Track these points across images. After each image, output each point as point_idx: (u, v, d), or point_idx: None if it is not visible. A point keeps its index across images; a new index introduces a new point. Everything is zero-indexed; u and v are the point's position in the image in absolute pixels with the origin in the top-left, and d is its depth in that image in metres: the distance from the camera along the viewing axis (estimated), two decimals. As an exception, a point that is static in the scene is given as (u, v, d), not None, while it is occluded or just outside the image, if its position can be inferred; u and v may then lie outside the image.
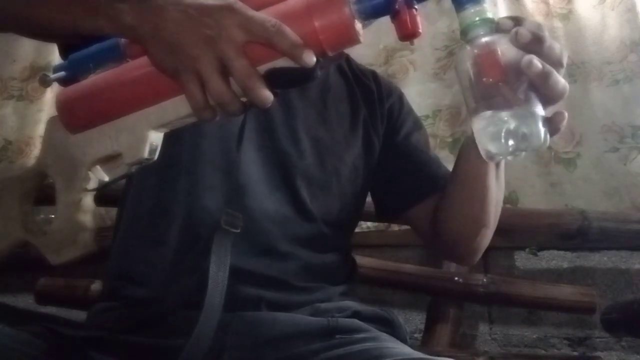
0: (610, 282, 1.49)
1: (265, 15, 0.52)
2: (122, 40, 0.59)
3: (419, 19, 0.54)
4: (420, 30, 0.54)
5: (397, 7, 0.53)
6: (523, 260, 1.54)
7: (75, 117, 0.61)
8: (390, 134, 0.93)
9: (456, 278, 1.39)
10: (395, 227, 1.52)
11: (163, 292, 0.74)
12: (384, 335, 0.76)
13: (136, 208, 0.82)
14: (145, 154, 0.58)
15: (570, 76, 1.56)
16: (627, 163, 1.50)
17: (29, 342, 0.65)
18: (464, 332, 1.50)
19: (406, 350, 0.70)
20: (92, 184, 0.62)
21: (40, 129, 1.75)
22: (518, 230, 1.44)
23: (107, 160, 0.61)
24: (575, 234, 1.41)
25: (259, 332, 0.71)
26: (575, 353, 1.47)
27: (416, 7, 0.54)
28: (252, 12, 0.52)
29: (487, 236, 0.85)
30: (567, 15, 1.58)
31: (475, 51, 0.51)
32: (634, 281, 1.49)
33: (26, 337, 0.66)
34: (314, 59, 0.52)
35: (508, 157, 0.52)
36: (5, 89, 1.83)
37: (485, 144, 0.51)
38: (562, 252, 1.52)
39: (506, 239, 1.44)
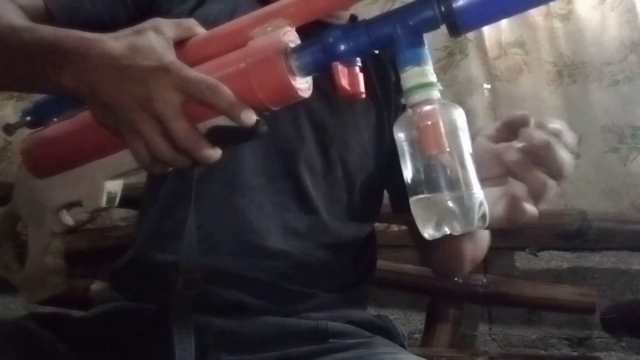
0: (610, 282, 1.49)
1: (202, 75, 0.51)
2: None
3: (361, 77, 0.51)
4: (362, 91, 0.51)
5: (337, 63, 0.50)
6: (523, 260, 1.54)
7: (37, 164, 0.63)
8: None
9: (456, 278, 1.39)
10: (395, 227, 1.52)
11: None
12: (379, 339, 0.74)
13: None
14: (103, 203, 0.59)
15: (570, 76, 1.56)
16: (627, 163, 1.50)
17: (27, 342, 0.65)
18: (464, 332, 1.50)
19: (401, 355, 0.68)
20: (60, 227, 0.64)
21: (40, 129, 1.75)
22: (518, 230, 1.44)
23: (70, 206, 0.63)
24: (575, 234, 1.41)
25: (242, 333, 0.70)
26: (575, 353, 1.48)
27: (359, 64, 0.51)
28: (187, 72, 0.51)
29: (471, 266, 0.87)
30: (567, 16, 1.58)
31: (416, 119, 0.46)
32: (634, 281, 1.49)
33: (24, 336, 0.66)
34: (253, 118, 0.51)
35: (442, 233, 0.47)
36: (5, 89, 1.83)
37: (419, 221, 0.47)
38: (562, 253, 1.53)
39: (506, 239, 1.44)
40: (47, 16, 0.74)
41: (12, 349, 0.61)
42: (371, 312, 0.84)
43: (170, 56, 0.52)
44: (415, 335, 1.50)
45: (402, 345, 0.77)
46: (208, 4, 0.82)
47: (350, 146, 0.81)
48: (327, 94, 0.79)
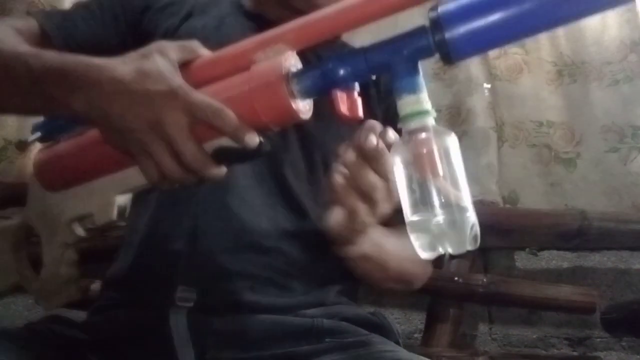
0: (610, 282, 1.49)
1: (208, 99, 0.53)
2: None
3: (359, 102, 0.54)
4: (361, 115, 0.54)
5: (337, 88, 0.52)
6: (523, 260, 1.54)
7: (49, 178, 0.66)
8: None
9: (456, 278, 1.39)
10: (395, 227, 1.52)
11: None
12: (376, 338, 0.74)
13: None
14: (114, 217, 0.62)
15: (570, 76, 1.56)
16: (627, 163, 1.50)
17: (25, 342, 0.65)
18: (464, 332, 1.50)
19: (399, 354, 0.69)
20: (72, 239, 0.67)
21: (40, 129, 1.75)
22: (518, 230, 1.44)
23: (81, 219, 0.66)
24: (575, 234, 1.41)
25: (239, 332, 0.71)
26: (575, 353, 1.47)
27: (357, 89, 0.53)
28: (194, 96, 0.53)
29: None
30: (567, 15, 1.58)
31: (411, 145, 0.49)
32: (634, 281, 1.49)
33: (23, 337, 0.66)
34: (256, 140, 0.54)
35: (437, 254, 0.50)
36: (5, 89, 1.83)
37: (414, 241, 0.50)
38: (562, 252, 1.52)
39: (506, 239, 1.44)
40: (42, 37, 0.78)
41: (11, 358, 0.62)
42: (367, 309, 0.85)
43: (177, 80, 0.54)
44: (415, 335, 1.50)
45: (397, 342, 0.78)
46: (195, 18, 0.85)
47: (333, 151, 0.83)
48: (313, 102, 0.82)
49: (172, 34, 0.82)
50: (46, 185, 0.66)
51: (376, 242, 0.70)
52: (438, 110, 1.59)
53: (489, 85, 1.58)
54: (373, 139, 0.57)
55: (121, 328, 0.73)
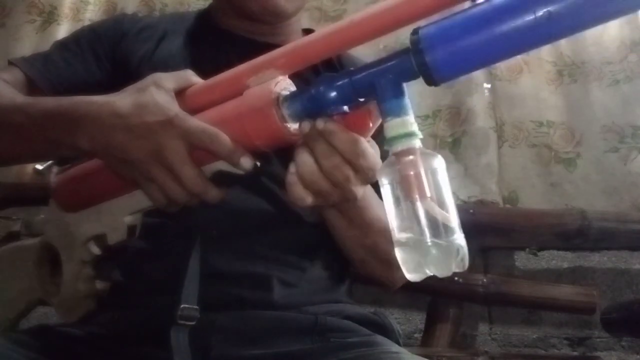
0: (610, 282, 1.49)
1: (204, 125, 0.56)
2: None
3: (351, 122, 0.54)
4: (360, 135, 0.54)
5: (326, 111, 0.54)
6: (523, 260, 1.54)
7: (65, 200, 0.70)
8: None
9: (456, 278, 1.39)
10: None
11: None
12: (379, 338, 0.75)
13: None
14: (125, 236, 0.65)
15: (571, 76, 1.56)
16: (627, 163, 1.50)
17: (25, 343, 0.65)
18: (464, 332, 1.50)
19: (403, 355, 0.69)
20: (89, 256, 0.70)
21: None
22: (518, 230, 1.44)
23: (96, 239, 0.69)
24: (575, 234, 1.41)
25: (244, 328, 0.71)
26: (575, 353, 1.48)
27: (346, 110, 0.54)
28: (190, 123, 0.56)
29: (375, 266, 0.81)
30: (567, 15, 1.58)
31: (399, 167, 0.49)
32: (634, 281, 1.49)
33: (22, 338, 0.67)
34: (250, 163, 0.57)
35: (423, 276, 0.50)
36: (5, 89, 1.83)
37: (401, 262, 0.49)
38: (562, 252, 1.52)
39: (506, 239, 1.44)
40: (29, 85, 0.81)
41: None
42: (368, 309, 0.84)
43: (174, 109, 0.57)
44: (415, 335, 1.50)
45: (397, 342, 0.78)
46: (168, 40, 0.88)
47: None
48: None
49: (149, 58, 0.84)
50: (63, 207, 0.70)
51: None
52: (438, 110, 1.59)
53: (489, 85, 1.59)
54: (306, 124, 0.56)
55: (120, 331, 0.73)
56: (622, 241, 1.45)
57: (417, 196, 0.48)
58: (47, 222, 0.75)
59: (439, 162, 0.49)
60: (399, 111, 0.50)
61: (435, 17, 0.50)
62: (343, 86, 0.53)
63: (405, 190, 0.48)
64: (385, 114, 0.50)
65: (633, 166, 1.50)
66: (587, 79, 1.55)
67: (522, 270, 1.52)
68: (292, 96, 0.55)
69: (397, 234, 0.49)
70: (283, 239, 0.77)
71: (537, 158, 1.55)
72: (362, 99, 0.54)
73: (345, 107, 0.54)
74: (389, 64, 0.51)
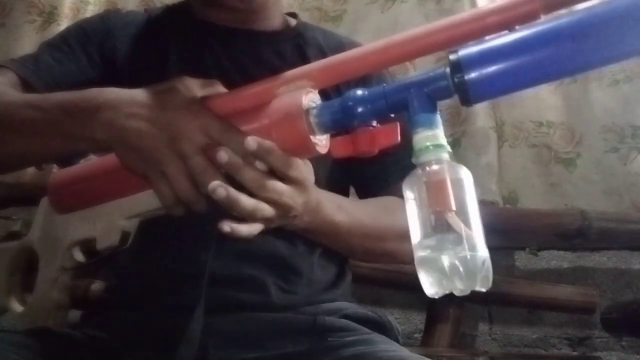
0: (610, 282, 1.49)
1: (225, 122, 0.56)
2: None
3: (379, 136, 0.54)
4: (376, 150, 0.54)
5: (355, 124, 0.53)
6: (523, 260, 1.54)
7: (60, 199, 0.68)
8: None
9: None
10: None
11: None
12: (376, 336, 0.75)
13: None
14: (117, 242, 0.62)
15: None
16: (627, 163, 1.50)
17: (23, 344, 0.65)
18: (464, 332, 1.50)
19: (402, 353, 0.69)
20: (70, 264, 0.67)
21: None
22: (518, 230, 1.44)
23: (84, 243, 0.66)
24: (575, 234, 1.41)
25: (241, 331, 0.71)
26: (575, 353, 1.48)
27: (374, 124, 0.54)
28: (211, 116, 0.56)
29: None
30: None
31: (424, 178, 0.48)
32: (634, 281, 1.49)
33: (20, 339, 0.66)
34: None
35: (445, 291, 0.49)
36: (5, 89, 1.83)
37: (422, 277, 0.48)
38: (562, 252, 1.52)
39: (506, 239, 1.44)
40: (23, 86, 0.79)
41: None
42: (368, 309, 0.84)
43: (196, 101, 0.57)
44: (415, 335, 1.50)
45: (397, 341, 0.78)
46: (152, 35, 0.87)
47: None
48: None
49: (134, 55, 0.83)
50: (56, 206, 0.68)
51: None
52: (438, 110, 1.59)
53: (489, 85, 1.58)
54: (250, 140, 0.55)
55: (123, 330, 0.73)
56: (622, 241, 1.46)
57: (442, 208, 0.47)
58: (34, 224, 0.71)
59: (467, 175, 0.49)
60: (430, 124, 0.50)
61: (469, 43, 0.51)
62: (376, 100, 0.53)
63: (431, 201, 0.47)
64: (415, 125, 0.50)
65: (633, 166, 1.50)
66: (587, 79, 1.55)
67: (522, 270, 1.53)
68: (322, 107, 0.55)
69: (419, 249, 0.48)
70: (280, 241, 0.77)
71: (537, 158, 1.55)
72: (392, 114, 0.54)
73: (374, 121, 0.54)
74: (424, 81, 0.52)
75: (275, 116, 0.55)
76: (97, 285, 1.44)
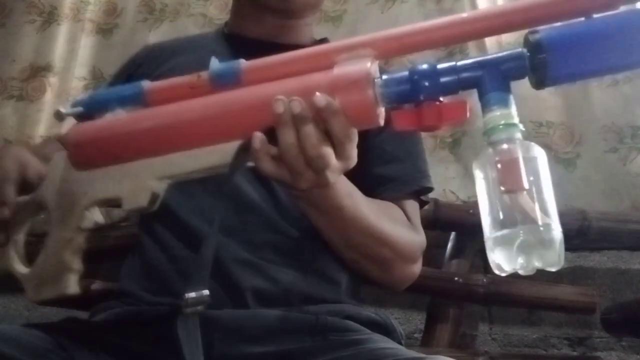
0: (610, 282, 1.49)
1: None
2: (145, 87, 0.60)
3: (446, 111, 0.52)
4: (442, 125, 0.52)
5: (421, 98, 0.52)
6: (523, 260, 1.54)
7: (84, 154, 0.61)
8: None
9: (456, 278, 1.39)
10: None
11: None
12: (377, 336, 0.75)
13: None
14: (145, 203, 0.57)
15: (570, 76, 1.56)
16: (627, 163, 1.50)
17: (40, 337, 0.66)
18: (464, 332, 1.50)
19: (401, 351, 0.70)
20: (87, 224, 0.61)
21: (40, 129, 1.75)
22: (518, 230, 1.43)
23: (106, 203, 0.61)
24: (575, 234, 1.41)
25: (245, 327, 0.72)
26: (575, 353, 1.47)
27: (441, 99, 0.52)
28: None
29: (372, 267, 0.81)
30: (567, 15, 1.58)
31: (497, 157, 0.48)
32: (634, 281, 1.49)
33: (37, 333, 0.67)
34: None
35: (519, 271, 0.48)
36: (5, 89, 1.83)
37: (495, 257, 0.47)
38: (562, 252, 1.52)
39: (506, 239, 1.44)
40: None
41: (19, 354, 0.62)
42: (368, 309, 0.85)
43: None
44: (415, 335, 1.50)
45: (399, 343, 0.78)
46: (180, 56, 0.90)
47: None
48: None
49: (163, 71, 0.86)
50: (77, 162, 0.61)
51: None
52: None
53: (489, 85, 1.58)
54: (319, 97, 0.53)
55: (130, 331, 0.74)
56: (622, 241, 1.45)
57: (514, 187, 0.46)
58: (46, 178, 0.64)
59: (540, 154, 0.49)
60: (504, 103, 0.49)
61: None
62: (447, 75, 0.52)
63: (503, 180, 0.47)
64: (489, 104, 0.50)
65: (633, 166, 1.50)
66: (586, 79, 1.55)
67: (522, 271, 1.52)
68: (390, 77, 0.53)
69: (491, 230, 0.47)
70: (284, 239, 0.78)
71: (537, 158, 1.55)
72: (461, 90, 0.53)
73: (441, 97, 0.53)
74: (499, 59, 0.51)
75: (341, 81, 0.52)
76: (97, 286, 1.44)
